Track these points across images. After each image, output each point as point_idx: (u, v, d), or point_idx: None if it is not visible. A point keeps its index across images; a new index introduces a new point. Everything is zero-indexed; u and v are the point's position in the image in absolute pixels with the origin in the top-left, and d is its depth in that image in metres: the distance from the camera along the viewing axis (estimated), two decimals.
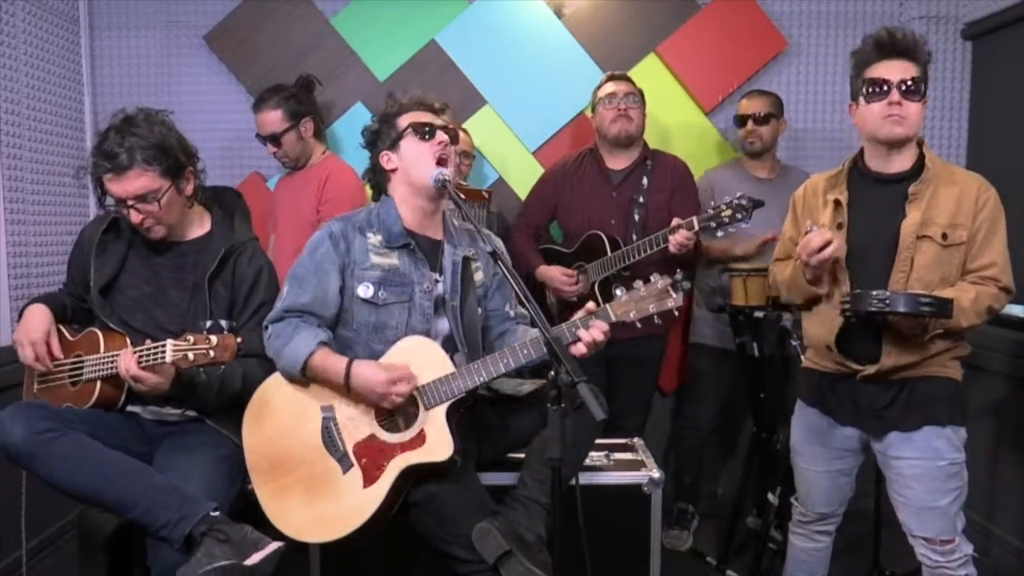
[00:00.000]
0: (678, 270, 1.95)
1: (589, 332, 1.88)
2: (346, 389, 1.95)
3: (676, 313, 1.93)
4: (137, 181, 1.98)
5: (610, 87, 2.93)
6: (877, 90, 1.94)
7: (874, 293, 1.84)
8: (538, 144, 3.39)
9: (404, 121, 2.08)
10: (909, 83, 1.92)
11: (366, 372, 1.92)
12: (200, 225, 2.18)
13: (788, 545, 2.28)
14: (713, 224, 2.49)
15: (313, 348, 1.94)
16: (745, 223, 2.47)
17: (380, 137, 2.11)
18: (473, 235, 2.19)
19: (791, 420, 2.22)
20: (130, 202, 2.00)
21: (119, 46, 3.36)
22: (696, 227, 2.51)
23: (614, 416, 1.97)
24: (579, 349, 1.88)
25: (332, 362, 1.95)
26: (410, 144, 2.06)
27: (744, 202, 2.45)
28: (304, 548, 2.10)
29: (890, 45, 1.95)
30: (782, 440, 2.59)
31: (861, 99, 1.99)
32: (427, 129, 2.06)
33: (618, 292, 1.93)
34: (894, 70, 1.93)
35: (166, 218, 2.06)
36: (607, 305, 1.92)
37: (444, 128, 2.08)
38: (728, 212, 2.46)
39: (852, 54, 2.03)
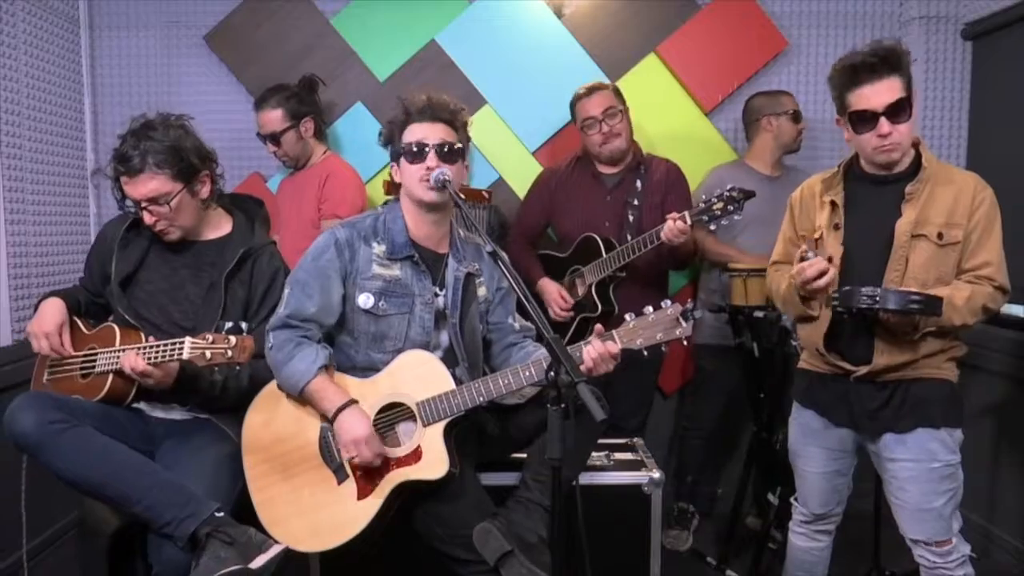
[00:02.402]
0: (689, 300, 1.95)
1: (593, 347, 1.87)
2: (329, 423, 1.95)
3: (685, 343, 1.92)
4: (149, 184, 2.04)
5: (586, 107, 2.88)
6: (864, 121, 1.92)
7: (864, 289, 1.84)
8: (538, 144, 3.39)
9: (406, 136, 2.04)
10: (894, 106, 1.89)
11: (352, 421, 1.90)
12: (220, 227, 2.22)
13: (788, 545, 2.29)
14: (705, 217, 2.48)
15: (312, 376, 1.93)
16: (737, 215, 2.46)
17: (391, 145, 2.10)
18: (478, 247, 2.18)
19: (789, 420, 2.22)
20: (143, 204, 2.05)
21: (119, 46, 3.35)
22: (689, 221, 2.49)
23: (614, 417, 1.97)
24: (585, 364, 1.87)
25: (329, 395, 1.94)
26: (404, 163, 2.04)
27: (735, 194, 2.44)
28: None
29: (864, 68, 1.90)
30: (782, 440, 2.59)
31: (849, 127, 1.97)
32: (418, 151, 2.01)
33: (627, 318, 1.92)
34: (878, 94, 1.89)
35: (178, 220, 2.10)
36: (614, 331, 1.91)
37: (440, 147, 2.00)
38: (720, 205, 2.45)
39: (828, 79, 1.99)
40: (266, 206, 2.37)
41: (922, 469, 1.96)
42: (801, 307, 2.03)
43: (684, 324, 1.88)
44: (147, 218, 2.07)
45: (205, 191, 2.14)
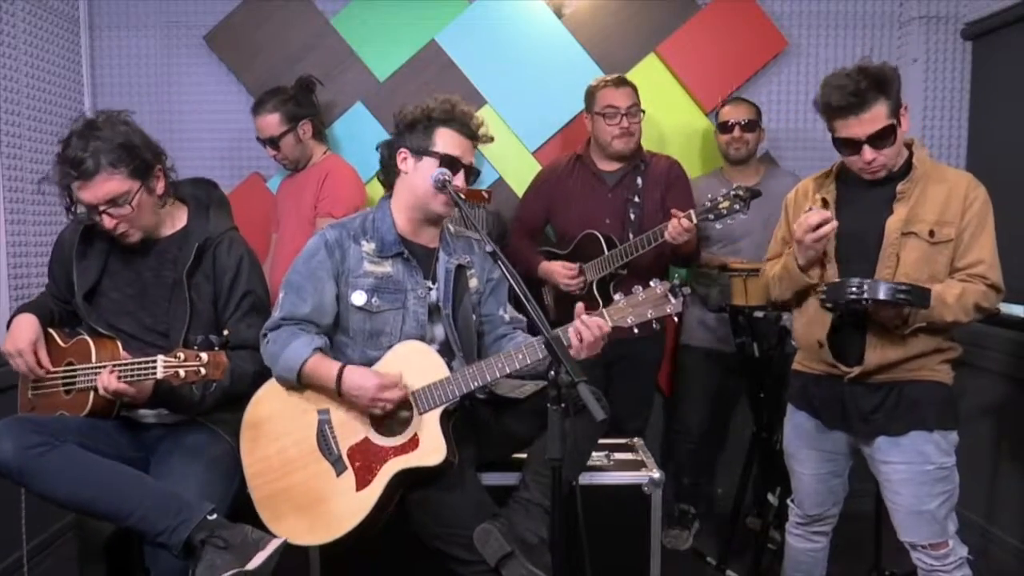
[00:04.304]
0: (676, 276, 1.95)
1: (576, 327, 1.87)
2: (337, 394, 1.95)
3: (676, 319, 1.92)
4: (106, 185, 1.94)
5: (611, 96, 2.86)
6: (847, 147, 1.93)
7: (851, 281, 1.83)
8: (538, 144, 3.39)
9: (439, 138, 2.03)
10: (878, 135, 1.88)
11: (357, 378, 1.92)
12: (176, 221, 2.15)
13: (785, 546, 2.29)
14: (711, 216, 2.46)
15: (308, 355, 1.94)
16: (743, 214, 2.45)
17: (411, 132, 2.06)
18: (469, 240, 2.18)
19: (784, 422, 2.23)
20: (101, 207, 1.96)
21: (119, 46, 3.35)
22: (695, 220, 2.48)
23: (615, 418, 1.96)
24: (573, 346, 1.87)
25: (325, 367, 1.95)
26: (430, 167, 2.02)
27: (742, 193, 2.43)
28: (304, 547, 2.10)
29: (847, 101, 1.87)
30: (781, 440, 2.59)
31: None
32: (452, 164, 2.01)
33: (616, 297, 1.92)
34: (861, 125, 1.88)
35: (139, 220, 2.02)
36: (603, 310, 1.91)
37: (468, 169, 2.05)
38: (726, 204, 2.44)
39: (813, 102, 1.97)
40: (219, 187, 2.29)
41: (915, 471, 1.95)
42: (799, 277, 2.01)
43: (673, 300, 1.88)
44: (107, 222, 1.97)
45: (160, 187, 2.05)
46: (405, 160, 2.07)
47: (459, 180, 2.03)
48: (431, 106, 2.05)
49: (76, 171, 1.92)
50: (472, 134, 2.07)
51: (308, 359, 1.95)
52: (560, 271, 2.85)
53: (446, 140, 2.03)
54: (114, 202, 1.96)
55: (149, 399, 1.96)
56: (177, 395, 2.00)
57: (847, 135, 1.91)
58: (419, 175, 2.04)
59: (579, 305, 1.92)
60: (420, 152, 2.04)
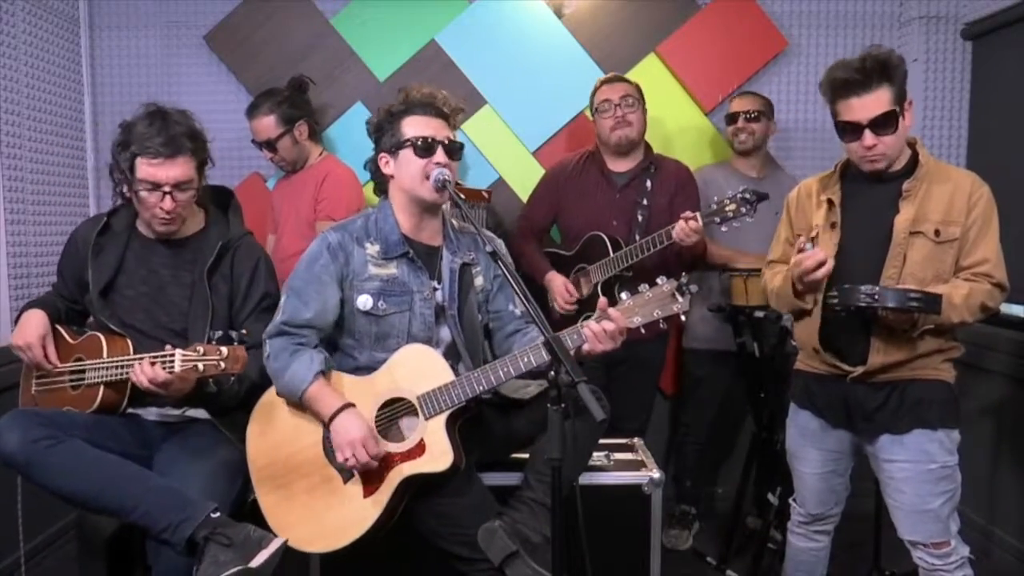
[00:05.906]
0: (683, 273, 1.92)
1: (591, 326, 1.85)
2: (326, 428, 1.94)
3: (684, 318, 1.90)
4: (182, 168, 1.99)
5: (605, 92, 2.89)
6: (849, 131, 1.93)
7: (863, 288, 1.83)
8: (538, 144, 3.39)
9: (407, 128, 2.01)
10: (880, 119, 1.88)
11: (347, 423, 1.89)
12: (195, 222, 2.17)
13: (787, 545, 2.28)
14: (717, 219, 2.46)
15: (310, 381, 1.93)
16: (749, 217, 2.44)
17: (383, 135, 2.06)
18: (474, 236, 2.17)
19: (787, 422, 2.22)
20: (167, 188, 1.99)
21: (119, 46, 3.36)
22: (700, 222, 2.47)
23: (614, 419, 1.95)
24: (588, 342, 1.85)
25: (325, 402, 1.93)
26: (408, 156, 2.01)
27: (748, 196, 2.42)
28: None
29: (852, 81, 1.88)
30: (782, 440, 2.59)
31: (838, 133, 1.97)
32: (428, 146, 1.99)
33: (622, 296, 1.90)
34: (864, 107, 1.88)
35: (187, 210, 2.08)
36: (610, 310, 1.89)
37: (446, 143, 2.01)
38: (732, 207, 2.43)
39: (819, 85, 1.98)
40: (235, 195, 2.32)
41: (919, 470, 1.95)
42: (794, 301, 2.02)
43: (681, 299, 1.85)
44: (167, 203, 1.99)
45: (200, 183, 2.10)
46: (387, 163, 2.06)
47: (440, 156, 1.99)
48: (390, 105, 2.06)
49: (163, 148, 1.96)
50: (438, 112, 2.04)
51: (310, 386, 1.93)
52: (562, 291, 2.84)
53: (413, 125, 2.02)
54: (180, 185, 2.01)
55: (187, 395, 1.95)
56: (213, 394, 2.01)
57: (849, 118, 1.91)
58: (401, 169, 2.02)
59: (602, 299, 1.91)
60: (395, 148, 2.03)
